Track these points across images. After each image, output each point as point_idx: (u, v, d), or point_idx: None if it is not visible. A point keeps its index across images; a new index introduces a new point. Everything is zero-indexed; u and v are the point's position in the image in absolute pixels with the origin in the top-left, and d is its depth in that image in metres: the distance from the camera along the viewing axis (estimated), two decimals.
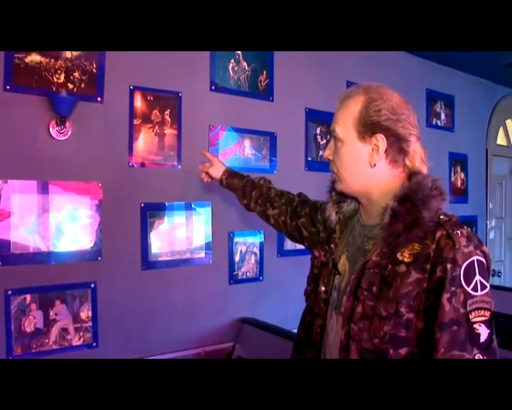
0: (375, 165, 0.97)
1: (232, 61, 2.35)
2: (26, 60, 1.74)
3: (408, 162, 0.97)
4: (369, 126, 0.95)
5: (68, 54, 1.83)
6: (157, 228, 2.12)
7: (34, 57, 1.76)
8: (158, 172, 2.11)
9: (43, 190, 1.81)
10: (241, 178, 1.55)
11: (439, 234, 0.88)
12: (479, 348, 0.83)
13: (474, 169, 3.77)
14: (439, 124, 3.48)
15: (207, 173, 1.62)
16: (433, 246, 0.88)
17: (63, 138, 1.83)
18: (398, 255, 0.90)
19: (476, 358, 0.82)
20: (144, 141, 2.06)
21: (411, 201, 0.91)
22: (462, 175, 3.68)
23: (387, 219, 0.92)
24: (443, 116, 3.51)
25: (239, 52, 2.37)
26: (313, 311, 1.09)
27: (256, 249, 2.48)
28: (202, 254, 2.27)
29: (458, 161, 3.63)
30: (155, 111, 2.09)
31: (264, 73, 2.47)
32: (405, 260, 0.89)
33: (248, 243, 2.45)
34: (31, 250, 1.78)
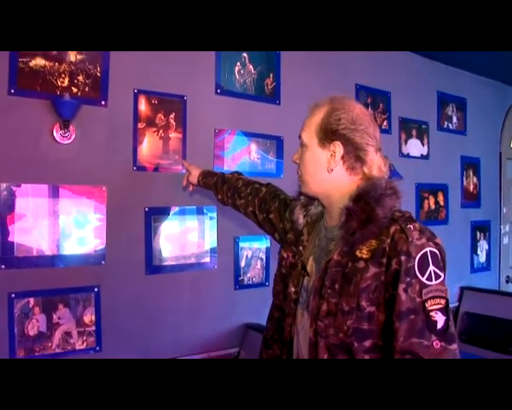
0: (332, 170, 1.03)
1: (238, 63, 2.33)
2: (31, 64, 1.75)
3: (366, 170, 1.03)
4: (328, 133, 1.03)
5: (72, 57, 1.84)
6: (161, 233, 2.10)
7: (38, 61, 1.76)
8: (162, 176, 2.10)
9: (53, 193, 1.81)
10: (214, 175, 1.67)
11: (393, 229, 0.94)
12: (436, 335, 0.87)
13: (486, 173, 3.68)
14: (451, 127, 3.42)
15: (189, 182, 1.82)
16: (388, 241, 0.93)
17: (67, 142, 1.83)
18: (357, 252, 0.96)
19: (434, 344, 0.87)
20: (149, 145, 2.06)
21: (364, 199, 0.97)
22: (475, 179, 3.59)
23: (343, 218, 0.98)
24: (454, 119, 3.44)
25: (245, 55, 2.35)
26: (282, 309, 1.13)
27: (262, 255, 2.45)
28: (207, 259, 2.25)
29: (470, 164, 3.55)
30: (160, 115, 2.08)
31: (271, 76, 2.45)
32: (364, 256, 0.95)
33: (254, 248, 2.42)
34: (34, 254, 1.78)
